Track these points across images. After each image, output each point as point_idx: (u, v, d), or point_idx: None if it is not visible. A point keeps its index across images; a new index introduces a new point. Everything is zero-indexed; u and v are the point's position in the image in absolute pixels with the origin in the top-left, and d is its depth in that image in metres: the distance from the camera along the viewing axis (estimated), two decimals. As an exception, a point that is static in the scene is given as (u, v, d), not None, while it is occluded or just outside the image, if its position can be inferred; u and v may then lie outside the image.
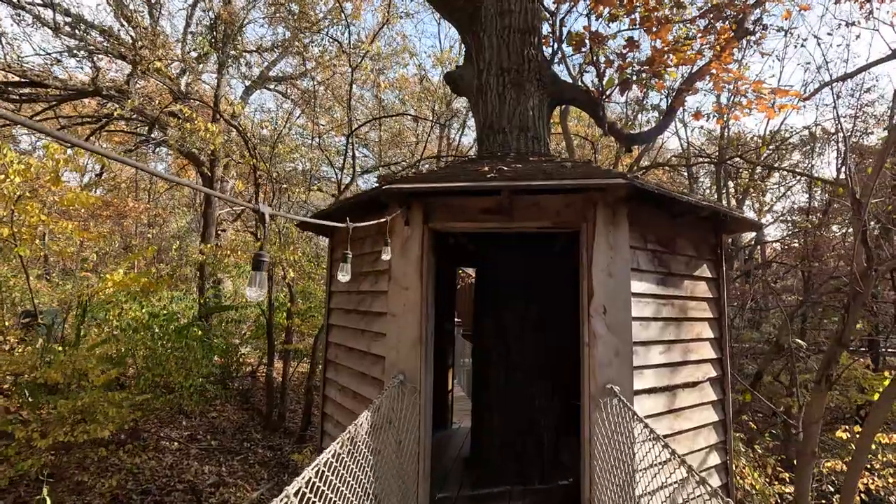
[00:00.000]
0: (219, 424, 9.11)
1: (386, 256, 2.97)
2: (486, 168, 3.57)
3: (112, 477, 5.93)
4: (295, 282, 9.70)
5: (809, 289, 10.83)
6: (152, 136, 12.87)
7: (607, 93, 6.24)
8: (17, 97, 11.57)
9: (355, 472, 2.48)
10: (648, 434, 2.57)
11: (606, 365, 3.10)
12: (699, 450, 3.68)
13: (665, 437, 3.36)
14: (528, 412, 4.45)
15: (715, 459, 3.83)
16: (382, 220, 2.97)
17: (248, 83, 16.21)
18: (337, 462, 2.15)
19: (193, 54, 13.49)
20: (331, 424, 4.52)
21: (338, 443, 2.32)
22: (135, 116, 12.35)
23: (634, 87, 7.18)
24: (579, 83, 7.20)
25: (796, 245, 12.14)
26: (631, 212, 3.27)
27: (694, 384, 3.72)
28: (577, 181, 3.04)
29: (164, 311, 6.82)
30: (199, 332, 7.36)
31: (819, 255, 11.09)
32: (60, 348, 5.63)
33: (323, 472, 2.03)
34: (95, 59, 12.01)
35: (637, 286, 3.29)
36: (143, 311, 6.60)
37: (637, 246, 3.36)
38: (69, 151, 6.41)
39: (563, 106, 11.41)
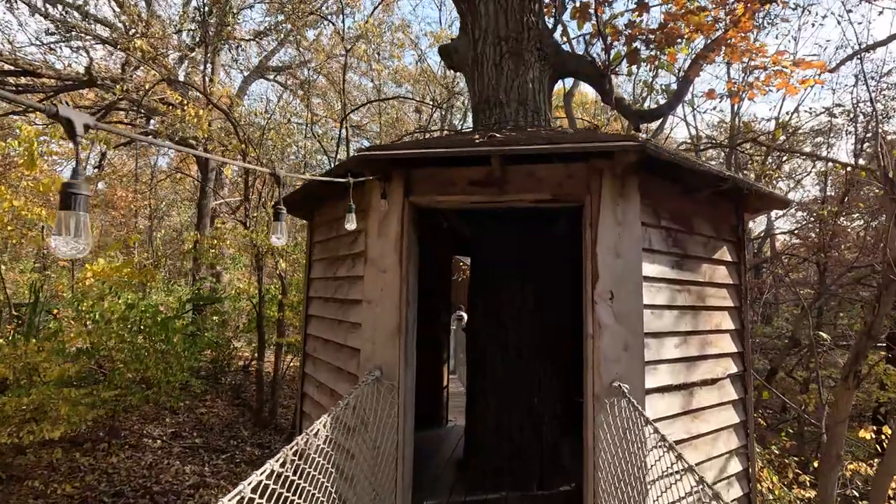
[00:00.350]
0: (207, 421, 8.75)
1: (350, 225, 2.55)
2: (477, 136, 3.14)
3: (83, 478, 5.57)
4: (287, 273, 9.31)
5: (824, 281, 10.32)
6: (150, 127, 12.50)
7: (614, 67, 5.78)
8: (14, 88, 11.26)
9: (320, 480, 2.09)
10: (659, 440, 2.15)
11: (614, 360, 2.66)
12: (718, 456, 3.24)
13: (681, 442, 2.94)
14: (527, 399, 4.03)
15: (736, 466, 3.39)
16: (344, 180, 2.54)
17: (246, 73, 15.83)
18: (293, 471, 1.76)
19: (188, 40, 13.08)
20: (309, 424, 4.11)
21: (290, 448, 1.92)
22: (132, 108, 11.99)
23: (643, 63, 6.72)
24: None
25: (812, 235, 11.62)
26: (642, 183, 2.82)
27: (713, 381, 3.28)
28: (579, 145, 2.60)
29: (144, 302, 6.44)
30: (183, 325, 6.99)
31: (836, 244, 10.57)
32: (16, 340, 5.28)
33: (267, 485, 1.64)
34: (89, 47, 11.65)
35: (649, 269, 2.85)
36: (120, 301, 6.22)
37: (649, 223, 2.91)
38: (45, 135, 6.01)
39: (567, 91, 10.91)
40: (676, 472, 1.98)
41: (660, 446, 2.14)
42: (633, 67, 7.32)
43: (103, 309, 5.85)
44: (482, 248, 4.47)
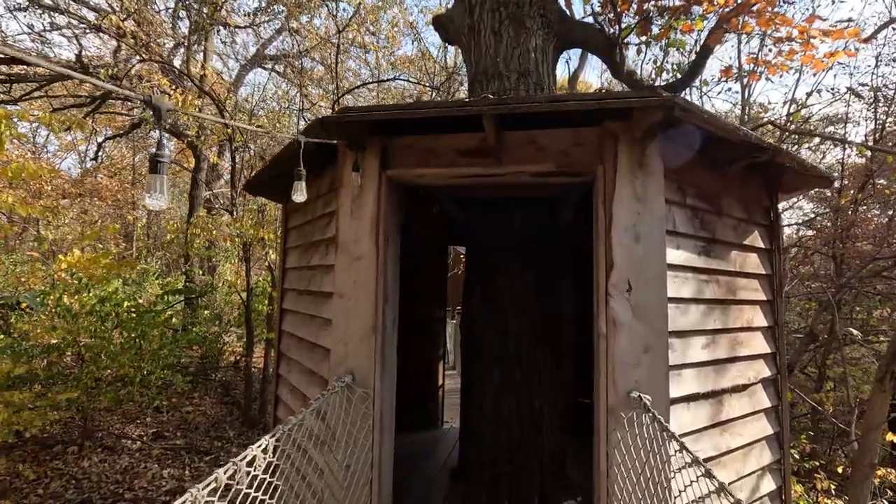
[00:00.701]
0: (192, 420, 8.34)
1: (299, 197, 2.08)
2: (467, 100, 2.66)
3: (48, 484, 5.16)
4: (277, 265, 8.86)
5: (842, 273, 9.80)
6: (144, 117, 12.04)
7: (625, 37, 5.27)
8: (7, 77, 10.85)
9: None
10: (690, 462, 1.70)
11: (632, 365, 2.19)
12: (750, 474, 2.78)
13: (709, 460, 2.48)
14: (528, 394, 3.60)
15: (769, 485, 2.93)
16: (298, 137, 2.08)
17: (242, 62, 15.37)
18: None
19: (182, 26, 12.62)
20: (284, 431, 3.67)
21: (224, 471, 1.48)
22: (126, 99, 11.53)
23: (653, 41, 6.20)
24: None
25: (828, 224, 11.08)
26: (665, 151, 2.34)
27: (744, 387, 2.82)
28: (590, 102, 2.12)
29: (117, 295, 6.01)
30: (163, 319, 6.55)
31: (854, 235, 10.04)
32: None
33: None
34: (80, 35, 11.18)
35: (673, 255, 2.38)
36: (91, 294, 5.79)
37: (673, 200, 2.43)
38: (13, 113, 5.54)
39: (571, 74, 10.38)
40: (707, 498, 1.55)
41: (690, 468, 1.70)
42: (643, 46, 6.81)
43: (70, 302, 5.40)
44: (478, 232, 4.00)
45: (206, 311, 11.62)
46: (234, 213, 8.26)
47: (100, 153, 16.07)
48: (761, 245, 3.07)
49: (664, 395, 2.20)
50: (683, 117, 2.13)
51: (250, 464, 1.62)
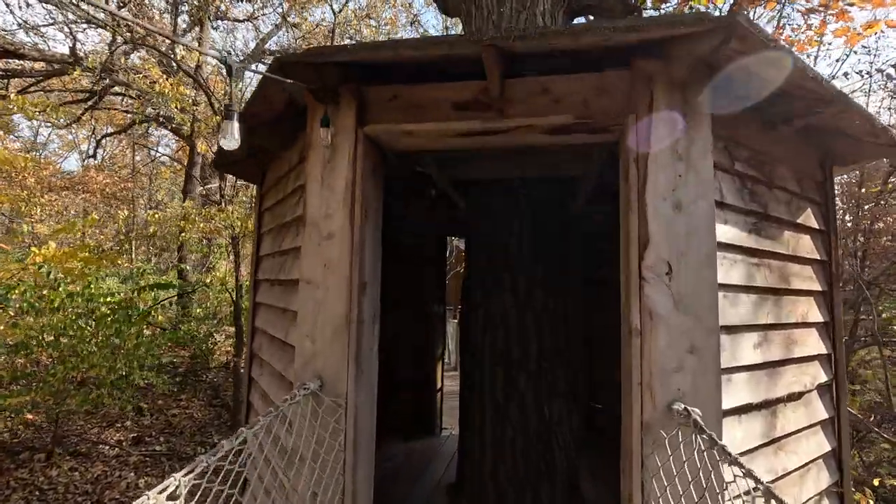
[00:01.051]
0: (178, 423, 7.89)
1: (229, 143, 1.62)
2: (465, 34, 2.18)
3: (8, 496, 4.71)
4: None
5: (862, 270, 9.26)
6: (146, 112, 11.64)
7: (642, 5, 4.79)
8: (3, 72, 10.48)
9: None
10: (752, 489, 1.25)
11: (674, 369, 1.71)
12: (806, 501, 2.29)
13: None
14: (535, 402, 3.12)
15: (828, 513, 2.44)
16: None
17: (241, 57, 14.95)
18: None
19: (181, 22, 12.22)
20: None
21: None
22: (125, 92, 11.15)
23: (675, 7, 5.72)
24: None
25: (848, 218, 10.54)
26: (713, 99, 1.86)
27: (799, 395, 2.33)
28: (619, 34, 1.64)
29: (89, 290, 5.57)
30: (140, 316, 6.10)
31: (878, 231, 9.51)
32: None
33: None
34: (73, 29, 10.78)
35: (720, 231, 1.89)
36: (61, 289, 5.35)
37: (719, 163, 1.95)
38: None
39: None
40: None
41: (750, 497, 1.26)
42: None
43: (34, 300, 4.95)
44: (480, 219, 3.53)
45: (198, 310, 11.19)
46: (223, 203, 7.81)
47: (98, 150, 15.71)
48: (815, 226, 2.58)
49: (715, 407, 1.72)
50: (741, 49, 1.65)
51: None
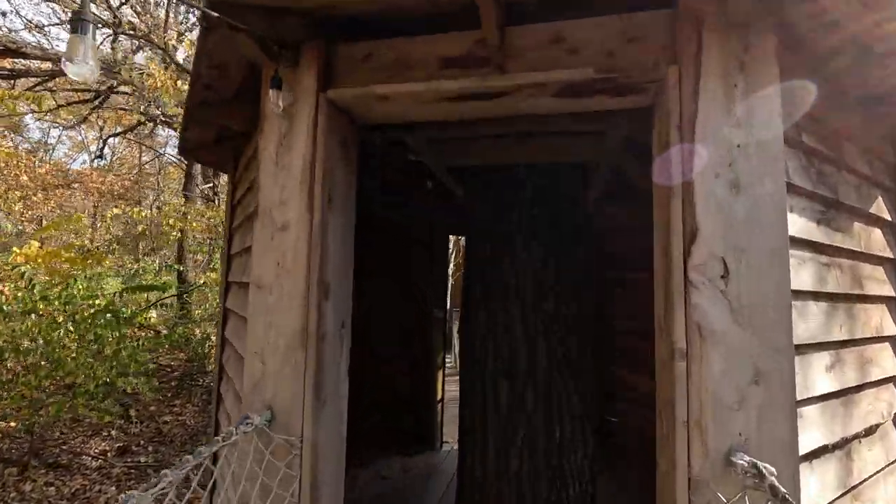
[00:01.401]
0: (168, 431, 7.51)
1: (81, 70, 1.19)
2: None
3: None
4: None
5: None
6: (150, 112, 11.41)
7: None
8: (9, 72, 10.31)
9: None
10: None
11: (731, 406, 1.26)
12: (887, 560, 1.83)
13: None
14: (545, 422, 2.68)
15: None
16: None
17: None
18: None
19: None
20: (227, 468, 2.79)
21: None
22: (131, 93, 10.93)
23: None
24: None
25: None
26: (781, 52, 1.41)
27: (875, 428, 1.86)
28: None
29: (67, 293, 5.24)
30: (126, 318, 5.76)
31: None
32: None
33: None
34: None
35: (788, 222, 1.44)
36: (35, 290, 5.03)
37: (787, 133, 1.50)
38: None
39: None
40: None
41: None
42: None
43: (5, 301, 4.62)
44: (481, 211, 3.09)
45: (198, 311, 10.87)
46: (217, 201, 7.47)
47: (105, 150, 15.53)
48: (887, 217, 2.11)
49: (790, 457, 1.26)
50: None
51: None
